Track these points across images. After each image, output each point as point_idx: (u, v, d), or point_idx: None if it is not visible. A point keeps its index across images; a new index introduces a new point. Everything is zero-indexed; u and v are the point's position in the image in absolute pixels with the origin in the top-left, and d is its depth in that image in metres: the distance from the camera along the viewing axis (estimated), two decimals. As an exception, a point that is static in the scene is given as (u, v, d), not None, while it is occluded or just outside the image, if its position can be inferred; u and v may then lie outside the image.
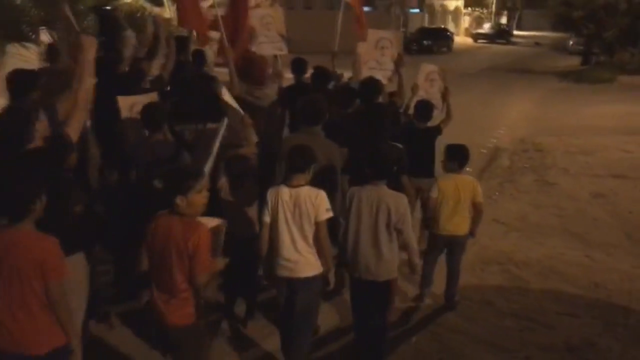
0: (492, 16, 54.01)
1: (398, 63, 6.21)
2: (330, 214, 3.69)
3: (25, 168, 3.18)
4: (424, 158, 5.63)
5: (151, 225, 3.19)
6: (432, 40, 34.35)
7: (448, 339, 4.63)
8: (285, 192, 3.63)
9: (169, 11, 14.17)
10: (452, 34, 39.96)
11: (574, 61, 29.14)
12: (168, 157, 3.98)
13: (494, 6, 53.99)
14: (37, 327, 2.85)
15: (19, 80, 4.30)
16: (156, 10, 12.96)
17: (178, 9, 6.25)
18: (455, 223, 4.81)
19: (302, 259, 3.67)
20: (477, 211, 4.89)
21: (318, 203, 3.60)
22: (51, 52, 5.82)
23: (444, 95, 6.13)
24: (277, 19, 6.73)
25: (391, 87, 6.21)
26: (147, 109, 4.37)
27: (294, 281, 3.72)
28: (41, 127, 3.41)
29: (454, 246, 4.95)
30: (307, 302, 3.80)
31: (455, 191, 4.76)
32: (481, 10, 54.93)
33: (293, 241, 3.65)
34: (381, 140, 4.53)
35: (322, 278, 3.92)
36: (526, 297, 5.33)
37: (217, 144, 4.09)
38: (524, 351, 4.48)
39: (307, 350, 4.01)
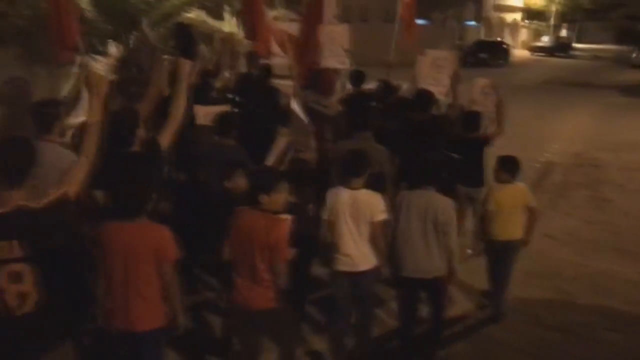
0: (551, 29, 52.90)
1: (454, 80, 6.42)
2: (385, 216, 4.04)
3: (138, 169, 3.57)
4: (473, 167, 5.77)
5: (234, 220, 3.58)
6: (488, 53, 34.02)
7: (489, 348, 4.74)
8: (344, 193, 4.00)
9: (229, 25, 14.71)
10: (508, 46, 39.41)
11: (637, 75, 28.31)
12: (234, 161, 4.34)
13: (553, 19, 52.88)
14: (146, 309, 3.22)
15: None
16: (217, 24, 13.49)
17: (245, 24, 6.71)
18: (511, 229, 4.99)
19: (360, 254, 4.04)
20: (533, 215, 5.06)
21: (375, 205, 3.99)
22: (138, 64, 6.40)
23: (499, 108, 6.24)
24: (342, 35, 7.15)
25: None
26: (221, 116, 4.81)
27: (353, 274, 4.08)
28: (141, 133, 3.89)
29: (507, 251, 5.07)
30: (366, 293, 4.19)
31: (510, 200, 4.96)
32: (539, 23, 53.90)
33: (352, 238, 4.01)
34: (434, 148, 4.77)
35: (377, 271, 4.23)
36: (573, 312, 5.37)
37: (277, 152, 4.45)
38: (567, 364, 4.54)
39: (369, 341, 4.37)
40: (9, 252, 2.63)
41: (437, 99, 6.16)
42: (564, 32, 56.46)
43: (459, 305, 5.37)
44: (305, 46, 7.07)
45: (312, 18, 7.35)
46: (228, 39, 7.26)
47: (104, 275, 3.22)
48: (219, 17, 14.30)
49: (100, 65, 12.21)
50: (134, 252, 3.15)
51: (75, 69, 7.12)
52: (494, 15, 48.81)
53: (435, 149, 4.81)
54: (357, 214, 3.97)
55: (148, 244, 3.16)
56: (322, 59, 7.08)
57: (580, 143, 13.09)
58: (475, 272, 5.54)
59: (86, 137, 3.04)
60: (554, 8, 52.52)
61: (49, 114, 3.98)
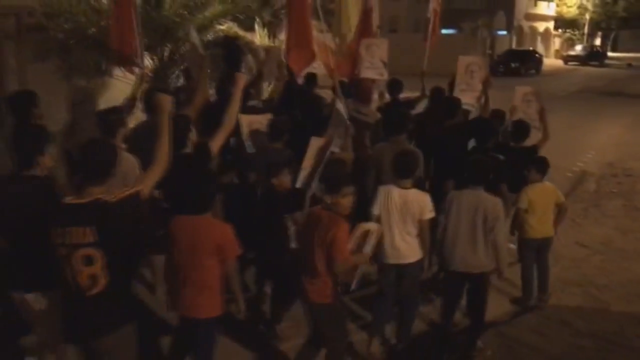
0: (585, 37, 52.18)
1: (486, 84, 6.59)
2: (433, 214, 4.39)
3: (202, 169, 3.95)
4: (520, 175, 5.70)
5: (305, 217, 3.98)
6: (519, 63, 33.74)
7: (522, 353, 4.74)
8: (395, 192, 4.32)
9: (259, 36, 14.94)
10: (541, 56, 39.04)
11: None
12: (282, 163, 4.59)
13: (586, 27, 52.16)
14: (205, 297, 3.55)
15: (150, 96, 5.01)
16: (248, 35, 13.73)
17: (290, 35, 7.01)
18: (546, 227, 5.35)
19: (408, 247, 4.37)
20: (562, 210, 5.43)
21: (424, 204, 4.35)
22: (186, 73, 6.86)
23: (541, 116, 6.31)
24: (382, 48, 7.42)
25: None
26: (274, 122, 5.15)
27: (400, 266, 4.42)
28: (193, 136, 4.27)
29: (544, 246, 5.43)
30: (412, 284, 4.54)
31: (543, 199, 5.29)
32: (573, 32, 53.23)
33: (399, 233, 4.33)
34: (481, 151, 5.10)
35: (420, 264, 4.56)
36: (606, 319, 5.33)
37: (327, 156, 4.84)
38: (600, 370, 4.51)
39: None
40: (82, 237, 2.94)
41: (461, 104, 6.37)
42: (598, 41, 55.62)
43: (491, 308, 5.36)
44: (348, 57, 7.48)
45: (358, 30, 7.75)
46: (273, 50, 7.68)
47: (171, 263, 3.61)
48: (250, 28, 14.56)
49: (134, 77, 12.54)
50: (198, 245, 3.49)
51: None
52: (526, 24, 48.44)
53: (481, 152, 5.12)
54: (406, 212, 4.31)
55: (212, 239, 3.49)
56: (361, 70, 7.38)
57: (613, 152, 12.92)
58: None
59: (159, 146, 3.30)
60: (587, 16, 51.84)
61: (114, 120, 4.40)
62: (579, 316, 5.36)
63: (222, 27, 12.59)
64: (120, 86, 12.87)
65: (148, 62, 12.32)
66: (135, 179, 3.34)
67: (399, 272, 4.49)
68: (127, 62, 6.79)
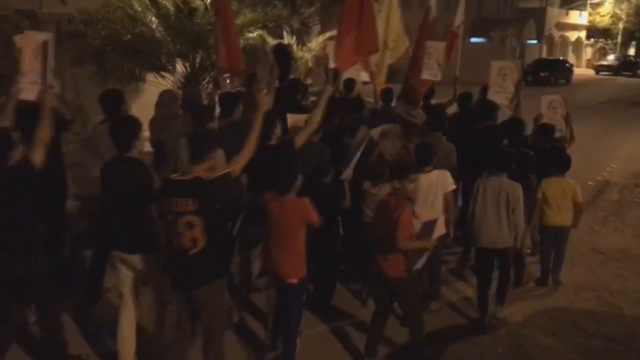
0: (618, 47, 51.49)
1: (518, 87, 7.02)
2: (454, 186, 5.18)
3: (284, 157, 4.71)
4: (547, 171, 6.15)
5: (381, 202, 4.61)
6: (549, 72, 33.50)
7: (532, 352, 4.90)
8: (421, 178, 4.79)
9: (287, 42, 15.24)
10: (571, 65, 38.67)
11: None
12: (323, 158, 5.29)
13: (619, 37, 51.48)
14: (293, 263, 4.27)
15: (226, 99, 5.97)
16: (275, 42, 14.04)
17: (339, 47, 7.38)
18: (561, 216, 5.91)
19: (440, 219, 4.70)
20: (577, 208, 5.97)
21: (446, 179, 5.11)
22: (249, 79, 7.50)
23: (567, 120, 6.84)
24: (440, 51, 7.90)
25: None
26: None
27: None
28: (277, 131, 5.03)
29: (560, 235, 6.02)
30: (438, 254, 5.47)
31: (558, 191, 5.85)
32: (605, 41, 52.59)
33: (427, 210, 4.81)
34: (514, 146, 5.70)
35: (446, 237, 5.11)
36: (617, 323, 5.45)
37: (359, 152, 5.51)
38: (608, 370, 4.66)
39: None
40: (185, 206, 3.62)
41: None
42: (632, 51, 54.81)
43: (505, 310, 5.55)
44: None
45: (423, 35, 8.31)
46: (321, 56, 8.21)
47: (266, 233, 4.34)
48: (279, 36, 14.89)
49: (166, 82, 12.97)
50: (286, 219, 4.21)
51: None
52: (557, 33, 48.04)
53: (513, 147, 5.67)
54: (428, 190, 4.99)
55: (297, 214, 4.21)
56: (422, 72, 7.91)
57: (639, 163, 12.88)
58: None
59: (250, 136, 3.97)
60: (621, 26, 51.19)
61: (205, 115, 5.28)
62: (590, 319, 5.49)
63: (252, 35, 12.95)
64: (153, 91, 13.31)
65: (180, 68, 12.75)
66: (229, 162, 4.01)
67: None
68: (231, 70, 7.55)
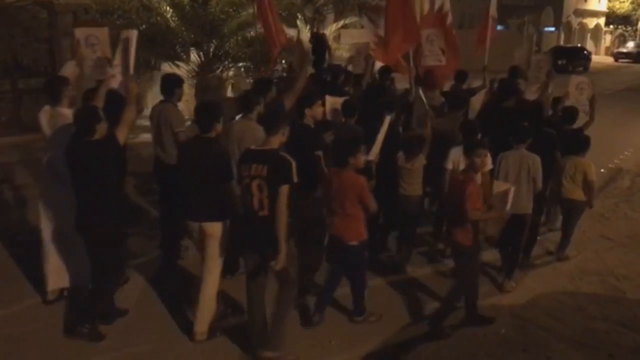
0: (638, 34, 50.76)
1: (549, 77, 7.64)
2: (491, 166, 5.67)
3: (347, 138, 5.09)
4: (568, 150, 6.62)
5: (453, 177, 5.42)
6: (566, 60, 33.10)
7: (534, 333, 5.00)
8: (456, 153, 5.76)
9: (302, 32, 15.34)
10: (589, 53, 38.21)
11: None
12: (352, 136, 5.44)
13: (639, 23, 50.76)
14: (353, 228, 4.82)
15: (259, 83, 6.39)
16: (291, 31, 14.16)
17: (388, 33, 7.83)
18: (574, 191, 6.45)
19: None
20: (589, 187, 6.42)
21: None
22: (290, 66, 8.52)
23: (591, 102, 7.43)
24: (439, 36, 8.23)
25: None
26: (347, 102, 6.24)
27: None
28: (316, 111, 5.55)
29: (573, 208, 6.57)
30: None
31: (573, 169, 6.42)
32: (625, 28, 51.85)
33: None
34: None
35: None
36: (620, 306, 5.54)
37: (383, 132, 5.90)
38: (608, 350, 4.76)
39: None
40: (260, 171, 4.20)
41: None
42: (652, 38, 53.96)
43: (509, 294, 5.67)
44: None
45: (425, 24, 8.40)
46: (362, 45, 9.06)
47: (328, 201, 4.94)
48: (293, 25, 14.99)
49: (181, 71, 13.13)
50: (344, 190, 4.75)
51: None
52: (575, 20, 47.44)
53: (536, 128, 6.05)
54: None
55: (353, 187, 4.73)
56: (421, 58, 8.23)
57: (653, 150, 12.82)
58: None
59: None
60: (641, 12, 50.48)
61: (253, 100, 5.58)
62: (594, 302, 5.58)
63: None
64: (168, 80, 13.47)
65: (194, 57, 12.90)
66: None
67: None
68: (279, 44, 7.78)
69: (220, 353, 4.66)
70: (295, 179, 4.22)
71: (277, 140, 4.37)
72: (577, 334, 5.02)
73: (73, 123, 4.62)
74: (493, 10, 9.18)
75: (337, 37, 17.59)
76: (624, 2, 51.12)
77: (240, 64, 13.57)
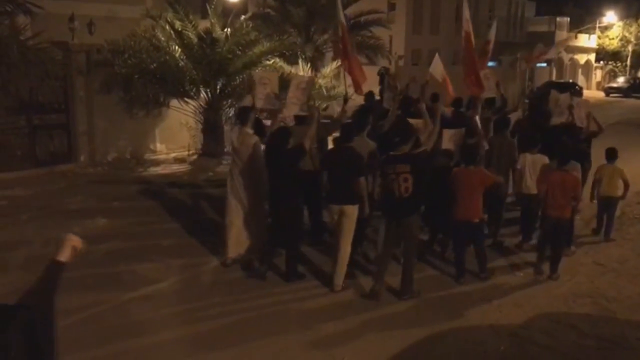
0: (627, 69, 51.96)
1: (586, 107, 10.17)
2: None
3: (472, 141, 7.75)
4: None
5: (549, 175, 7.25)
6: (568, 93, 33.81)
7: (531, 350, 5.38)
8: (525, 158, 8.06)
9: (302, 69, 15.97)
10: (580, 88, 39.15)
11: None
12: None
13: (629, 59, 51.99)
14: (476, 209, 6.80)
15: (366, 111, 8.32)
16: (292, 69, 14.74)
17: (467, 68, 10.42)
18: (610, 189, 8.68)
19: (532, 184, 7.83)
20: (625, 184, 8.71)
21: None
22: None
23: (587, 117, 9.56)
24: (492, 77, 10.81)
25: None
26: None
27: (531, 196, 7.93)
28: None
29: (610, 204, 8.75)
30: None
31: (610, 172, 8.74)
32: (615, 64, 53.08)
33: (530, 175, 7.91)
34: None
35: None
36: (611, 325, 5.91)
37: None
38: (599, 365, 5.13)
39: None
40: (404, 169, 6.04)
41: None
42: (641, 73, 55.13)
43: (507, 316, 6.05)
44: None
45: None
46: (393, 75, 11.75)
47: (454, 193, 6.84)
48: (294, 63, 15.61)
49: (189, 108, 13.64)
50: (470, 182, 6.78)
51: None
52: (567, 56, 48.58)
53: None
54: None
55: (477, 179, 6.82)
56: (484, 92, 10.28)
57: (643, 182, 13.27)
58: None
59: (433, 130, 6.68)
60: (630, 49, 51.70)
61: (365, 121, 7.46)
62: (586, 321, 5.96)
63: (268, 62, 13.65)
64: (176, 115, 14.02)
65: (203, 94, 13.44)
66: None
67: (529, 200, 8.09)
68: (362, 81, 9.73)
69: (354, 301, 6.39)
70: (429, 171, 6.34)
71: (407, 148, 6.19)
72: (570, 350, 5.39)
73: (270, 137, 6.96)
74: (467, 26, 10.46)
75: (337, 75, 18.20)
76: (613, 39, 52.45)
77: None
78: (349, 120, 7.92)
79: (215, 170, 12.91)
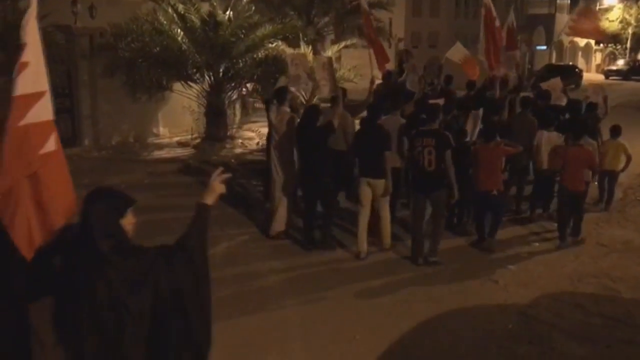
0: (627, 52, 51.80)
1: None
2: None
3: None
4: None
5: (569, 150, 7.71)
6: (559, 77, 33.83)
7: (538, 328, 5.48)
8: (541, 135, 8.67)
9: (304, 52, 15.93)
10: (580, 70, 39.05)
11: None
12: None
13: (629, 42, 51.81)
14: (495, 182, 7.37)
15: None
16: (294, 51, 14.71)
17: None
18: (613, 163, 9.36)
19: None
20: (628, 159, 9.28)
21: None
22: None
23: (604, 100, 10.74)
24: (514, 56, 12.14)
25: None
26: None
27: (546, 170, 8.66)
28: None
29: (611, 176, 9.51)
30: None
31: (614, 146, 9.38)
32: (615, 47, 52.93)
33: (545, 151, 8.51)
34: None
35: None
36: (615, 304, 6.02)
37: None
38: (606, 342, 5.23)
39: None
40: (429, 142, 6.67)
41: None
42: (641, 55, 54.97)
43: (516, 293, 6.15)
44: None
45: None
46: (435, 59, 11.64)
47: (477, 168, 7.50)
48: (296, 45, 15.57)
49: (193, 91, 13.62)
50: (490, 157, 7.36)
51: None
52: (566, 39, 48.41)
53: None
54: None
55: (496, 154, 7.38)
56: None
57: (644, 164, 13.35)
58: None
59: None
60: (630, 31, 51.51)
61: (399, 102, 8.26)
62: (591, 300, 6.06)
63: (271, 46, 13.61)
64: (179, 99, 14.03)
65: (206, 78, 13.42)
66: None
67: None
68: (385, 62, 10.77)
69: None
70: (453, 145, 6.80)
71: (435, 124, 6.83)
72: (576, 328, 5.50)
73: (303, 114, 7.43)
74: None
75: (338, 58, 18.17)
76: (613, 21, 52.22)
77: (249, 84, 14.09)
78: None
79: (219, 154, 12.95)
